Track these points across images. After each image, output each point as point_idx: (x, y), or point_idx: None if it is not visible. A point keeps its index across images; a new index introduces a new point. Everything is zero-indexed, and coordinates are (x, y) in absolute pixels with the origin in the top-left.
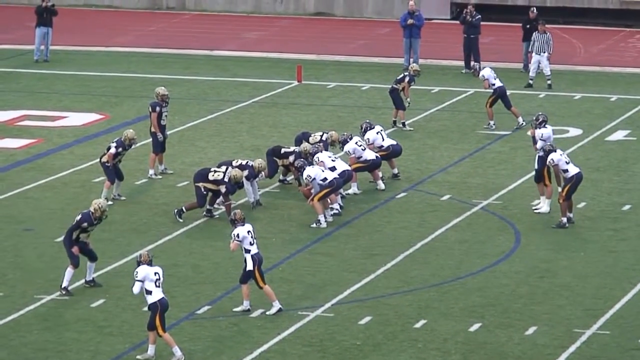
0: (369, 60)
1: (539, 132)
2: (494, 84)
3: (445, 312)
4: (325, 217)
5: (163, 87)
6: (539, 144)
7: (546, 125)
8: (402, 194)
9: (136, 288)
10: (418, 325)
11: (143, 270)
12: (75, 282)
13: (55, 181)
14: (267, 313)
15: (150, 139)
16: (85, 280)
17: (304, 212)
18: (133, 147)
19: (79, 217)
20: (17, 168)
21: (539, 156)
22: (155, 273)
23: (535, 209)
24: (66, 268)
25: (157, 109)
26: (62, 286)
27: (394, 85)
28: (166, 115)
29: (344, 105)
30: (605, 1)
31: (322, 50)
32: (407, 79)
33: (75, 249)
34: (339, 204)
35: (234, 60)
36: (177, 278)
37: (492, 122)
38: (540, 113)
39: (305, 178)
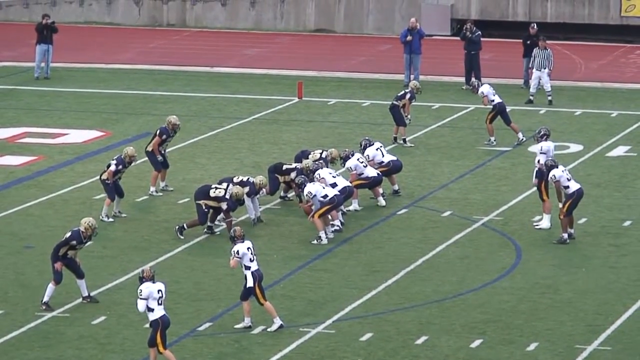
0: (370, 77)
1: (538, 146)
2: (493, 100)
3: (447, 329)
4: (326, 234)
5: (175, 117)
6: (542, 158)
7: (547, 139)
8: (403, 211)
9: (141, 306)
10: (419, 341)
11: (147, 288)
12: (74, 301)
13: (56, 198)
14: (268, 330)
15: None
16: (82, 297)
17: (305, 228)
18: (133, 164)
19: (68, 235)
20: (18, 185)
21: (537, 170)
22: (159, 291)
23: (536, 225)
24: (48, 283)
25: (164, 137)
26: (43, 301)
27: (395, 102)
28: (167, 144)
29: (344, 122)
30: (606, 17)
31: (322, 66)
32: (408, 95)
33: (58, 265)
34: (339, 220)
35: (234, 77)
36: (178, 295)
37: (492, 138)
38: (543, 127)
39: (306, 195)
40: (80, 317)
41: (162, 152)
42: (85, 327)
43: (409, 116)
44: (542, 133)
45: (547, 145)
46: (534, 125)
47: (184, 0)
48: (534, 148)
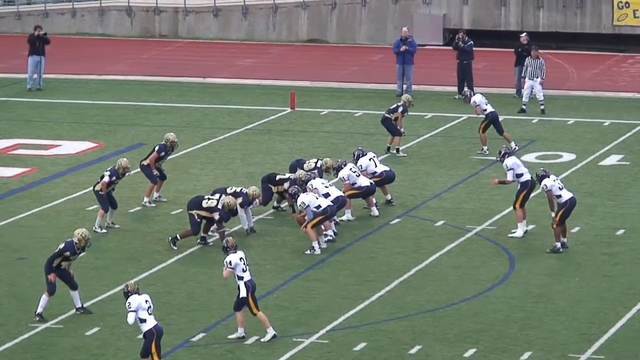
0: (362, 87)
1: (503, 164)
2: (485, 110)
3: (440, 338)
4: (320, 244)
5: (173, 134)
6: (509, 175)
7: (509, 156)
8: (396, 220)
9: (131, 318)
10: (413, 351)
11: (135, 300)
12: (68, 312)
13: (49, 209)
14: (262, 340)
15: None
16: (76, 308)
17: (298, 239)
18: (127, 175)
19: (62, 246)
20: (11, 197)
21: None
22: (146, 301)
23: (511, 234)
24: (41, 295)
25: (162, 154)
26: (36, 312)
27: (387, 115)
28: (164, 161)
29: (337, 132)
30: (598, 26)
31: (315, 77)
32: (400, 109)
33: (51, 276)
34: (332, 230)
35: (227, 87)
36: (172, 305)
37: (485, 148)
38: (503, 146)
39: (300, 205)
40: (74, 328)
41: (159, 166)
42: (78, 338)
43: (402, 129)
44: (502, 152)
45: (511, 161)
46: (526, 135)
47: (176, 11)
48: (526, 158)
